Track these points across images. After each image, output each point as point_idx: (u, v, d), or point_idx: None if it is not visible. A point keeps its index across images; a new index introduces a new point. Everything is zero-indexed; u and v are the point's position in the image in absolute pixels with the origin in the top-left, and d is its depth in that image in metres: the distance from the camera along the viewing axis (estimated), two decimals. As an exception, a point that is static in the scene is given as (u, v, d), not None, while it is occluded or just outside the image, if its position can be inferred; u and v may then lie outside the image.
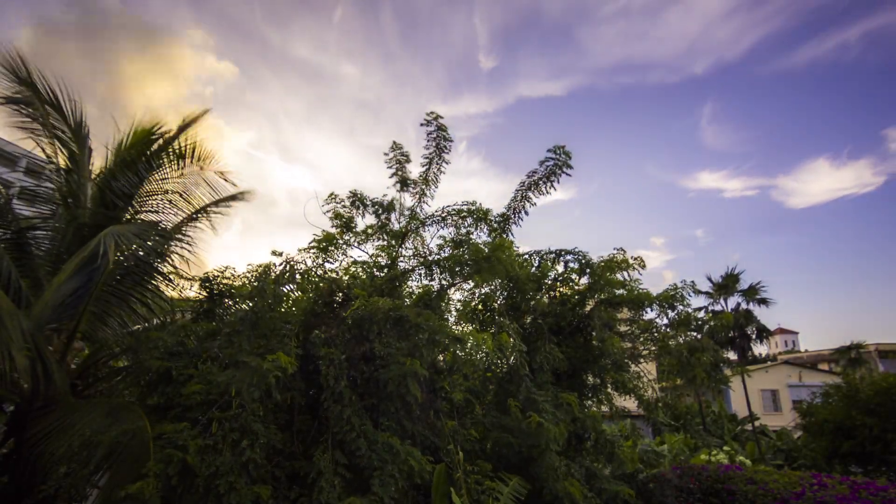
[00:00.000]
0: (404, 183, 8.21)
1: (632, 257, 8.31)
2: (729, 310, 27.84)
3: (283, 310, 6.51)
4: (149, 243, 5.81)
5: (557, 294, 8.67)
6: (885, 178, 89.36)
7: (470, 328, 7.98)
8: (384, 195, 8.26)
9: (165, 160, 6.40)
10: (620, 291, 8.34)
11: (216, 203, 6.76)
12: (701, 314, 9.54)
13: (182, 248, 6.28)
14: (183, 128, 6.39)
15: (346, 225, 7.94)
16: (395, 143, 8.28)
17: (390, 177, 8.24)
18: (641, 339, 8.71)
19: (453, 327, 7.86)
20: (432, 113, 7.93)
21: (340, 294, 6.77)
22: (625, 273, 8.26)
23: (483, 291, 8.29)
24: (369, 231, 8.06)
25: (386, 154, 8.25)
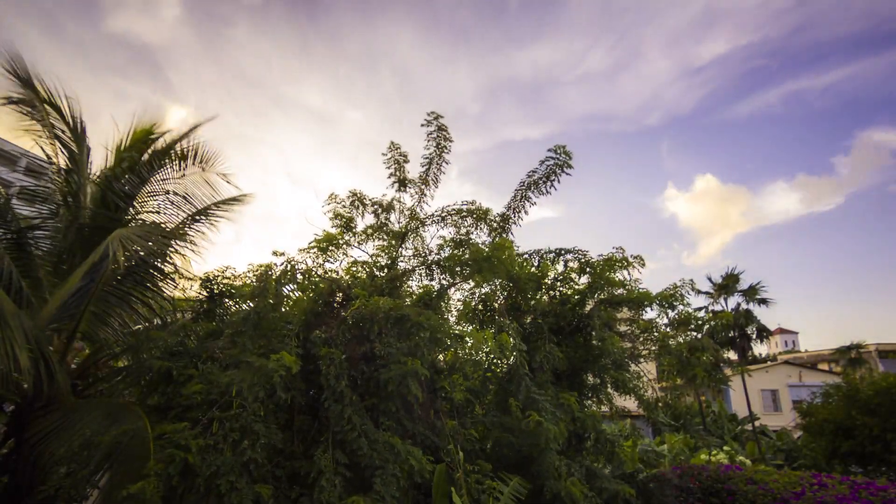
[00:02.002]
0: (402, 183, 8.19)
1: (631, 256, 8.31)
2: (729, 310, 27.86)
3: (283, 310, 6.52)
4: (150, 244, 5.82)
5: (557, 294, 8.66)
6: (842, 198, 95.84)
7: (470, 328, 7.98)
8: (383, 195, 8.26)
9: (167, 161, 6.42)
10: (620, 291, 8.34)
11: (217, 204, 6.78)
12: (701, 314, 9.51)
13: (184, 248, 6.30)
14: (187, 133, 6.43)
15: (347, 225, 7.94)
16: (392, 143, 8.27)
17: (388, 177, 8.22)
18: (641, 339, 8.68)
19: (454, 327, 7.86)
20: (433, 113, 7.92)
21: (341, 294, 6.77)
22: (625, 272, 8.25)
23: (483, 291, 8.28)
24: (369, 231, 8.05)
25: (384, 154, 8.24)
